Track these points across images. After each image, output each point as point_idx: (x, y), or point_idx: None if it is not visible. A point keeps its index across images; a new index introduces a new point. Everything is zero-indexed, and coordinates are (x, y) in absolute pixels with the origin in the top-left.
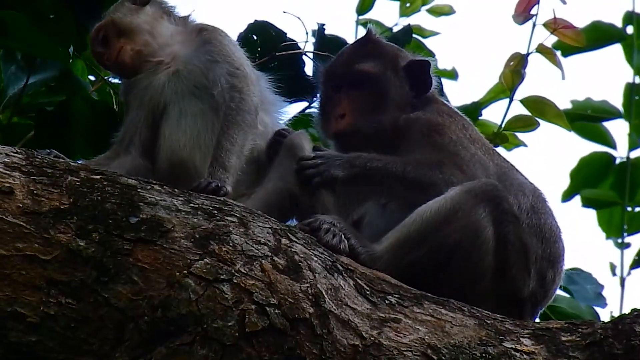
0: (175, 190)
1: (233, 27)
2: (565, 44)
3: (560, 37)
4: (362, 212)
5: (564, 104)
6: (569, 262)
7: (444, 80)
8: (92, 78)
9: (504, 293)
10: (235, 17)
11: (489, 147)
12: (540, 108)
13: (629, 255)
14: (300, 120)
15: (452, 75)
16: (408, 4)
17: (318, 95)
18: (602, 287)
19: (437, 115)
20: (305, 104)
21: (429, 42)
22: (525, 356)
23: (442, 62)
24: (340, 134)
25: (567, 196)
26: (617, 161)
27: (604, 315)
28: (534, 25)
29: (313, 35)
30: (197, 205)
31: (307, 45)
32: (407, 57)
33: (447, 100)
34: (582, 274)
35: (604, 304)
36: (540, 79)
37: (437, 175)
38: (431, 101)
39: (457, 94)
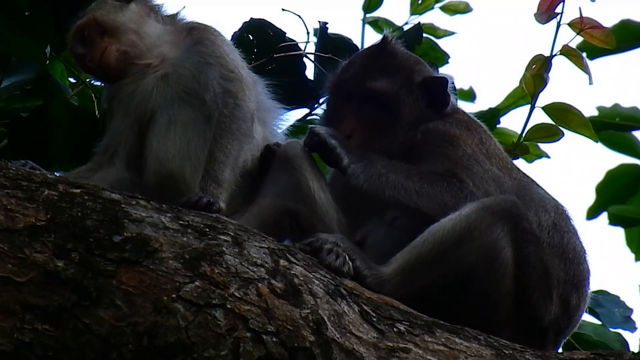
0: (163, 206)
1: (227, 26)
2: (592, 45)
3: (586, 38)
4: (367, 231)
5: (590, 111)
6: (595, 284)
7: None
8: (72, 81)
9: (523, 320)
10: (230, 15)
11: (507, 162)
12: (564, 116)
13: None
14: (300, 129)
15: (470, 96)
16: (420, 1)
17: (325, 104)
18: (631, 310)
19: (454, 127)
20: (305, 110)
21: (442, 43)
22: None
23: (457, 66)
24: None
25: (592, 213)
26: None
27: (633, 340)
28: (559, 24)
29: (315, 34)
30: (187, 223)
31: (309, 46)
32: (424, 71)
33: None
34: (610, 296)
35: (633, 328)
36: (565, 83)
37: (444, 189)
38: (451, 111)
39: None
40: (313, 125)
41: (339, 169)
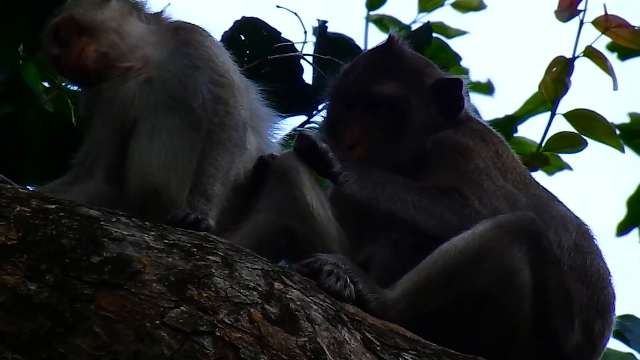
0: (147, 223)
1: (217, 25)
2: (618, 45)
3: (612, 38)
4: (371, 251)
5: (617, 117)
6: (624, 307)
7: (477, 96)
8: (46, 85)
9: (542, 348)
10: (220, 13)
11: (525, 177)
12: (587, 124)
13: None
14: None
15: (487, 89)
16: None
17: (324, 111)
18: None
19: (468, 137)
20: (303, 118)
21: (454, 43)
22: None
23: (471, 67)
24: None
25: (623, 229)
26: None
27: None
28: (582, 23)
29: (313, 34)
30: (172, 242)
31: (306, 47)
32: (435, 73)
33: None
34: (638, 321)
35: None
36: (589, 88)
37: (444, 205)
38: (465, 120)
39: (488, 106)
40: (302, 130)
41: (330, 177)
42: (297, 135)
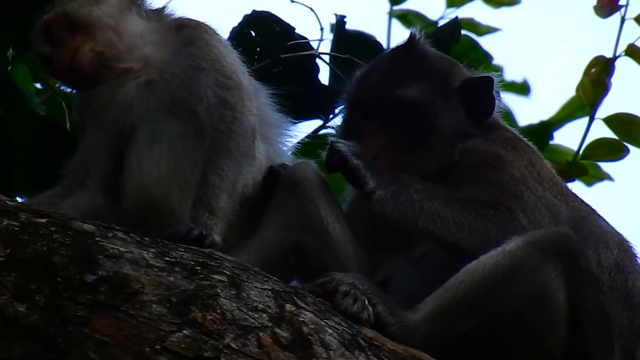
0: (146, 239)
1: (224, 21)
2: None
3: None
4: (391, 270)
5: None
6: None
7: (512, 97)
8: (38, 87)
9: None
10: (227, 8)
11: (562, 188)
12: (629, 129)
13: None
14: (312, 146)
15: (523, 89)
16: None
17: (341, 118)
18: None
19: (498, 146)
20: (318, 123)
21: (484, 41)
22: None
23: (503, 67)
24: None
25: None
26: None
27: None
28: (623, 19)
29: (330, 31)
30: (174, 259)
31: (323, 44)
32: (462, 73)
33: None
34: None
35: None
36: (631, 90)
37: (489, 220)
38: (493, 127)
39: (521, 111)
40: (335, 139)
41: (363, 194)
42: (328, 147)
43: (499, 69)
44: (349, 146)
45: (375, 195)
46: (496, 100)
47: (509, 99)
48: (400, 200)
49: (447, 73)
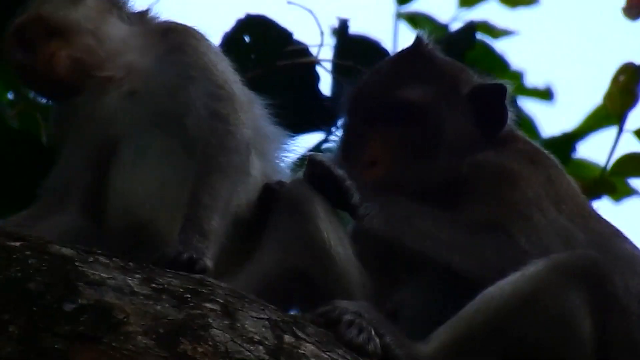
0: (130, 264)
1: (215, 26)
2: None
3: None
4: (400, 298)
5: None
6: None
7: (534, 105)
8: (10, 98)
9: None
10: (219, 11)
11: (584, 209)
12: None
13: None
14: None
15: (547, 95)
16: None
17: (341, 127)
18: None
19: (513, 160)
20: (320, 136)
21: (500, 46)
22: None
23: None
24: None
25: None
26: None
27: None
28: None
29: (332, 35)
30: (161, 286)
31: (323, 50)
32: (472, 79)
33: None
34: None
35: None
36: None
37: (486, 243)
38: (509, 138)
39: (541, 120)
40: (313, 154)
41: (348, 209)
42: (307, 161)
43: (519, 75)
44: (331, 158)
45: (361, 208)
46: (508, 112)
47: (531, 107)
48: (388, 215)
49: (455, 78)
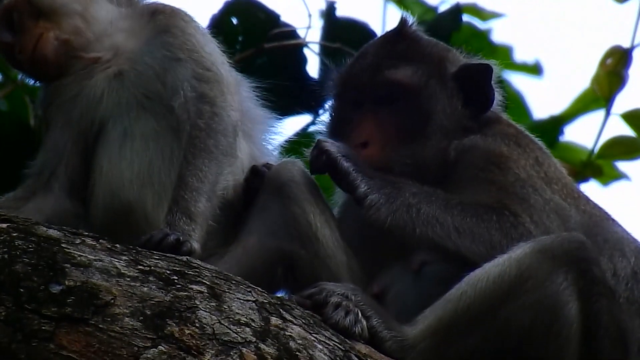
0: (117, 246)
1: (202, 8)
2: None
3: None
4: (387, 280)
5: None
6: None
7: (523, 79)
8: None
9: None
10: None
11: (572, 190)
12: None
13: None
14: (299, 144)
15: (535, 70)
16: None
17: (329, 109)
18: None
19: (500, 143)
20: (307, 119)
21: (488, 28)
22: None
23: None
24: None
25: None
26: None
27: None
28: None
29: (320, 17)
30: (148, 268)
31: (311, 33)
32: (458, 59)
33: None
34: None
35: None
36: None
37: (493, 225)
38: (493, 121)
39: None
40: (322, 138)
41: (354, 199)
42: (314, 146)
43: (507, 50)
44: (338, 147)
45: (367, 199)
46: (496, 91)
47: (520, 82)
48: (395, 204)
49: (441, 58)
